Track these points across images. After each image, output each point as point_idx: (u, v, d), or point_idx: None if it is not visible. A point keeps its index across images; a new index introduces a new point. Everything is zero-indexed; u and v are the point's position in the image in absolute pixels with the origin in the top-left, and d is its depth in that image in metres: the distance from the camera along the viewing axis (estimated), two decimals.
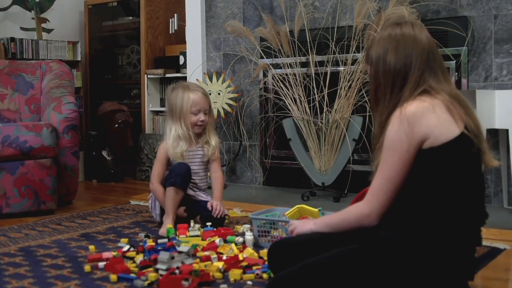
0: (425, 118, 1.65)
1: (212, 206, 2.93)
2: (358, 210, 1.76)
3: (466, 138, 1.65)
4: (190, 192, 3.03)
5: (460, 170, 1.65)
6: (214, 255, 2.32)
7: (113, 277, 2.13)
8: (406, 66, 1.73)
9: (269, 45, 3.95)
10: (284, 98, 3.83)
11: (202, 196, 3.06)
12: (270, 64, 3.99)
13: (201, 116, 3.00)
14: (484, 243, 2.60)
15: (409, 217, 1.69)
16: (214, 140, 3.08)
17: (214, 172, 3.10)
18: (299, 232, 1.91)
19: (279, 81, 3.86)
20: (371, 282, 1.66)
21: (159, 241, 2.49)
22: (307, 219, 2.05)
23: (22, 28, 4.87)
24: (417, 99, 1.70)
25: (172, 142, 2.99)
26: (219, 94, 4.05)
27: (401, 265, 1.64)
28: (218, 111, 4.07)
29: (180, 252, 2.23)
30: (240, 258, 2.28)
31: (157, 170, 3.03)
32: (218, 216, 2.91)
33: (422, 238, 1.64)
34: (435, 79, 1.74)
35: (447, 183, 1.64)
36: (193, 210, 2.98)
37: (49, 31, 4.97)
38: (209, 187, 3.20)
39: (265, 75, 4.12)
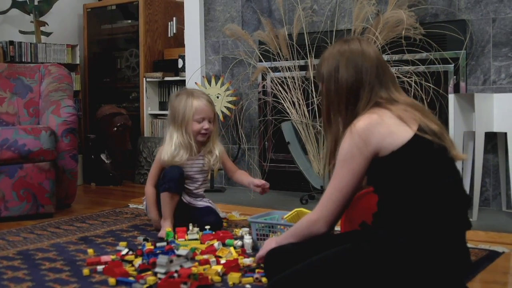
0: (376, 131, 1.73)
1: (257, 185, 2.90)
2: (308, 218, 1.89)
3: (421, 137, 1.71)
4: (186, 198, 3.00)
5: (425, 166, 1.71)
6: (212, 259, 2.32)
7: (112, 280, 2.13)
8: (357, 81, 1.80)
9: (267, 48, 3.95)
10: (282, 102, 3.83)
11: (198, 203, 3.02)
12: (269, 67, 3.99)
13: (205, 124, 2.93)
14: (483, 246, 2.62)
15: (398, 215, 1.73)
16: (218, 149, 3.01)
17: (233, 172, 3.07)
18: (262, 255, 2.01)
19: (278, 85, 3.86)
20: (368, 278, 1.70)
21: (158, 244, 2.49)
22: (269, 239, 2.10)
23: (21, 32, 4.88)
24: (367, 113, 1.77)
25: (173, 150, 2.91)
26: (217, 97, 4.06)
27: (395, 258, 1.67)
28: (217, 114, 4.06)
29: (178, 256, 2.23)
30: (240, 261, 2.29)
31: (153, 172, 3.00)
32: (267, 187, 2.91)
33: (412, 231, 1.68)
34: (386, 91, 1.81)
35: (418, 179, 1.71)
36: (189, 217, 2.91)
37: (48, 34, 4.97)
38: (206, 191, 3.18)
39: (263, 79, 4.12)
